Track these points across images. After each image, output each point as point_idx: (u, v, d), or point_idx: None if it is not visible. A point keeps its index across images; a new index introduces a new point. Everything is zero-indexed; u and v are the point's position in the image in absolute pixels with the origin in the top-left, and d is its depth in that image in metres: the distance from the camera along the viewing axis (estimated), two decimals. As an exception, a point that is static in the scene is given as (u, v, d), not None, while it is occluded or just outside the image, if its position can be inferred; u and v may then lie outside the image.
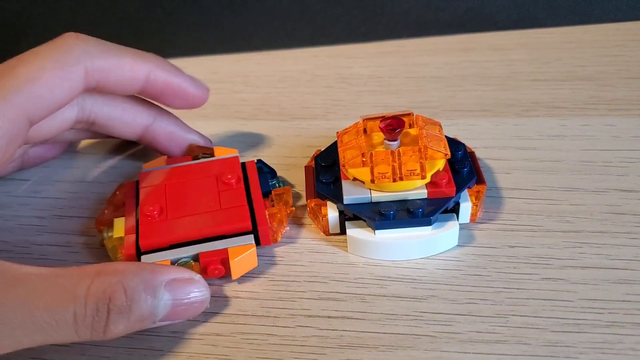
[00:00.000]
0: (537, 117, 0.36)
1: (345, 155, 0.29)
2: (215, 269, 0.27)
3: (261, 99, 0.41)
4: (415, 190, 0.28)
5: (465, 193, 0.29)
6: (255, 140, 0.37)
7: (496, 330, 0.25)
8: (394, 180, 0.28)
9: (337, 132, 0.31)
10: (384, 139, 0.29)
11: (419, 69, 0.42)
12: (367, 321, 0.26)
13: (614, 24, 0.44)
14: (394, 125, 0.28)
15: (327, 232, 0.30)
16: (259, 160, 0.32)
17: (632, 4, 0.44)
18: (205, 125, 0.37)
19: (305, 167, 0.32)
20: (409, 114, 0.30)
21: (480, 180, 0.30)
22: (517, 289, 0.27)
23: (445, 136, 0.30)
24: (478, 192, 0.29)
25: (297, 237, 0.30)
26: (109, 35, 0.30)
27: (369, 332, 0.26)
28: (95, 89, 0.29)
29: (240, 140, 0.37)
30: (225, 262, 0.27)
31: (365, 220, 0.28)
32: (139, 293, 0.23)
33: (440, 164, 0.29)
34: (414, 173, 0.28)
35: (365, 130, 0.30)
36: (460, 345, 0.25)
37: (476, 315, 0.26)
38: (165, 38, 0.46)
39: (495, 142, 0.35)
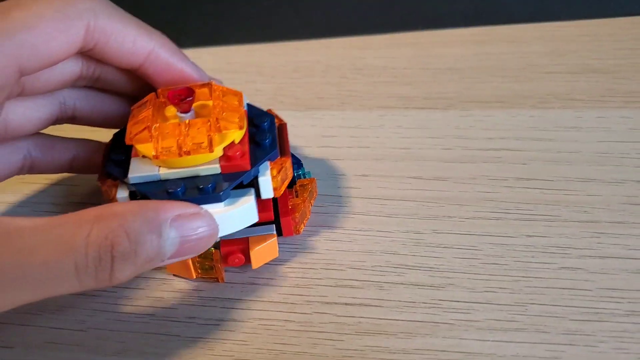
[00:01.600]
0: (553, 108, 0.36)
1: (132, 129, 0.26)
2: (235, 258, 0.27)
3: (275, 89, 0.41)
4: (208, 165, 0.26)
5: (265, 166, 0.26)
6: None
7: (515, 319, 0.25)
8: (180, 155, 0.25)
9: (132, 106, 0.28)
10: (177, 112, 0.27)
11: (433, 60, 0.42)
12: (384, 308, 0.26)
13: (629, 17, 0.44)
14: (182, 95, 0.26)
15: None
16: None
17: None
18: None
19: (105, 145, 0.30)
20: (207, 85, 0.28)
21: (284, 153, 0.28)
22: (536, 277, 0.27)
23: (254, 107, 0.28)
24: (281, 165, 0.27)
25: (313, 225, 0.30)
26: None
27: (386, 319, 0.26)
28: (92, 52, 0.27)
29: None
30: (245, 251, 0.27)
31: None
32: (143, 235, 0.22)
33: (235, 135, 0.26)
34: (200, 146, 0.25)
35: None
36: (478, 333, 0.25)
37: (495, 304, 0.26)
38: (179, 28, 0.46)
39: (512, 133, 0.34)
